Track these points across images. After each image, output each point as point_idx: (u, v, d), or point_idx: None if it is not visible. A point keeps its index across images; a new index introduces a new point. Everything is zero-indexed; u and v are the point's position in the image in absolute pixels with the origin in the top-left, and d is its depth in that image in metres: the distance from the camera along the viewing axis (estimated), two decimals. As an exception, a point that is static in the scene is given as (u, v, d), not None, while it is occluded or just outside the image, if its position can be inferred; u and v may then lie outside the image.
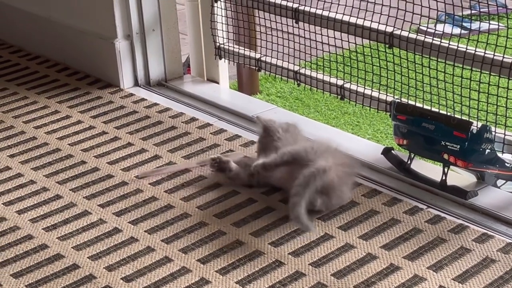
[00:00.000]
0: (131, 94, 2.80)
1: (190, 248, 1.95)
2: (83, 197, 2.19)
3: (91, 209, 2.13)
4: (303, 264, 1.87)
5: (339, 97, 2.50)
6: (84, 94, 2.82)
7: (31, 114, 2.69)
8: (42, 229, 2.06)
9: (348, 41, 2.43)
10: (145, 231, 2.02)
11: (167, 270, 1.88)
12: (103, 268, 1.89)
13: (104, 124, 2.59)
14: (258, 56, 2.73)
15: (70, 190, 2.23)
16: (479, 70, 2.10)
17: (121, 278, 1.85)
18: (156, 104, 2.72)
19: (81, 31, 2.95)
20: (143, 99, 2.76)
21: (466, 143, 2.07)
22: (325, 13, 2.44)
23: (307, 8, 2.50)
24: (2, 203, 2.18)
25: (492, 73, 2.07)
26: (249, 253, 1.92)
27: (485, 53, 2.07)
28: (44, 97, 2.81)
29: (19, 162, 2.39)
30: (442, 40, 2.17)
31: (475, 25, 3.16)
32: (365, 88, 2.42)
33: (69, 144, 2.48)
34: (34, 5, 3.13)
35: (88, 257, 1.93)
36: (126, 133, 2.53)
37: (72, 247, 1.98)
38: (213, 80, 2.92)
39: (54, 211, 2.13)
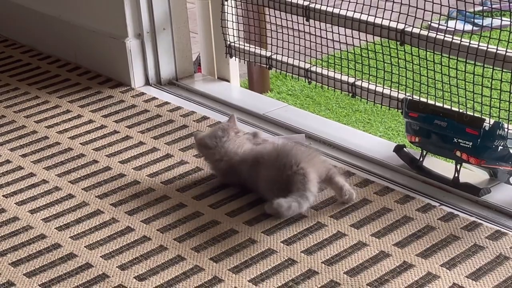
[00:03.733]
0: (142, 93, 2.80)
1: (203, 247, 1.95)
2: (95, 196, 2.19)
3: (103, 208, 2.14)
4: (316, 262, 1.87)
5: (350, 94, 2.49)
6: (95, 93, 2.83)
7: (43, 114, 2.69)
8: (54, 228, 2.06)
9: (359, 39, 2.43)
10: (157, 230, 2.03)
11: (180, 269, 1.88)
12: (116, 267, 1.90)
13: (115, 123, 2.60)
14: (268, 54, 2.72)
15: (82, 189, 2.23)
16: (491, 67, 2.09)
17: (134, 277, 1.86)
18: (167, 103, 2.72)
19: (92, 31, 2.95)
20: (154, 98, 2.76)
21: (479, 140, 2.06)
22: (336, 11, 2.43)
23: (317, 6, 2.49)
24: (15, 203, 2.18)
25: (504, 70, 2.06)
26: (261, 251, 1.92)
27: (497, 49, 2.06)
28: (56, 96, 2.82)
29: (31, 162, 2.39)
30: (454, 37, 2.16)
31: (486, 22, 3.15)
32: (376, 86, 2.41)
33: (80, 144, 2.48)
34: (44, 4, 3.14)
35: (101, 256, 1.94)
36: (138, 132, 2.53)
37: (85, 246, 1.98)
38: (224, 79, 2.92)
39: (67, 210, 2.14)
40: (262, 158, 2.08)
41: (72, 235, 2.03)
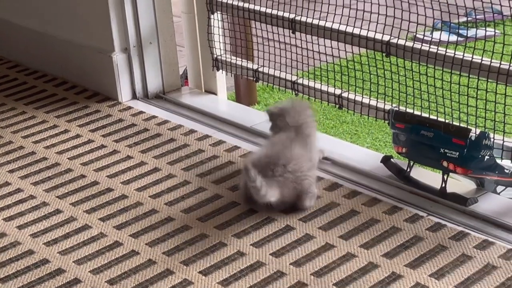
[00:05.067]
0: (130, 107, 2.80)
1: (192, 260, 1.95)
2: (83, 211, 2.19)
3: (91, 223, 2.13)
4: (305, 274, 1.87)
5: (337, 106, 2.50)
6: (83, 108, 2.82)
7: (30, 129, 2.69)
8: (43, 244, 2.06)
9: (345, 50, 2.44)
10: (146, 244, 2.02)
11: (169, 283, 1.87)
12: (105, 282, 1.89)
13: (103, 138, 2.60)
14: (255, 66, 2.73)
15: (70, 204, 2.23)
16: (477, 77, 2.10)
17: (123, 292, 1.85)
18: (154, 116, 2.72)
19: (79, 45, 2.95)
20: (141, 112, 2.76)
21: (465, 150, 2.07)
22: (322, 23, 2.44)
23: (303, 18, 2.50)
24: (2, 219, 2.18)
25: (489, 80, 2.07)
26: (250, 264, 1.92)
27: (482, 59, 2.08)
28: (43, 111, 2.81)
29: (18, 177, 2.38)
30: (439, 48, 2.18)
31: (471, 32, 3.17)
32: (363, 97, 2.42)
33: (68, 158, 2.48)
34: (31, 20, 3.14)
35: (89, 271, 1.93)
36: (125, 146, 2.53)
37: (73, 262, 1.97)
38: (211, 92, 2.93)
39: (55, 225, 2.13)
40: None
41: (60, 250, 2.02)
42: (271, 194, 2.02)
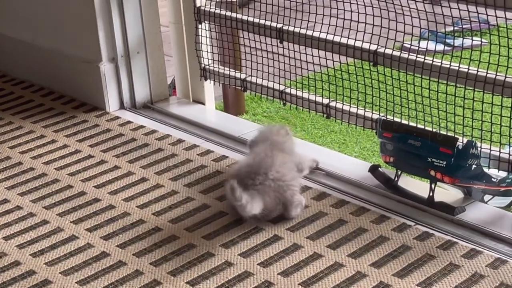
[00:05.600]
0: (117, 117, 2.80)
1: (179, 271, 1.94)
2: (70, 222, 2.18)
3: (78, 233, 2.12)
4: (293, 284, 1.86)
5: (325, 115, 2.50)
6: (70, 118, 2.82)
7: (17, 139, 2.68)
8: (29, 255, 2.04)
9: (333, 60, 2.44)
10: (133, 255, 2.01)
11: (156, 294, 1.87)
12: (92, 293, 1.88)
13: (90, 148, 2.59)
14: (243, 76, 2.73)
15: (57, 214, 2.22)
16: (463, 86, 2.11)
17: (110, 303, 1.84)
18: (142, 126, 2.72)
19: (66, 55, 2.95)
20: (129, 122, 2.75)
21: (453, 159, 2.07)
22: (309, 33, 2.45)
23: (291, 28, 2.51)
24: (-12, 230, 2.16)
25: (476, 89, 2.08)
26: (238, 274, 1.91)
27: (468, 69, 2.08)
28: (30, 122, 2.80)
29: (5, 188, 2.37)
30: (426, 57, 2.18)
31: (458, 42, 3.18)
32: (350, 106, 2.43)
33: (55, 169, 2.47)
34: (18, 30, 3.13)
35: (76, 282, 1.92)
36: (113, 156, 2.52)
37: (60, 273, 1.96)
38: (199, 101, 2.92)
39: (41, 236, 2.12)
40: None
41: (47, 261, 2.01)
42: (255, 207, 2.01)
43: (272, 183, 2.06)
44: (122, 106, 2.87)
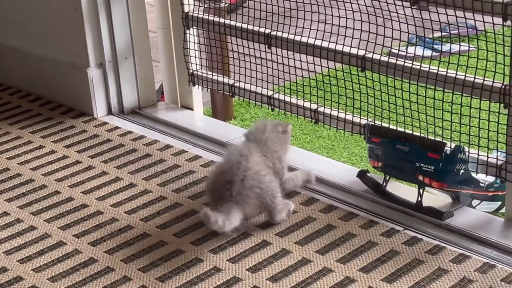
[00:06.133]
0: (105, 123, 2.79)
1: (167, 277, 1.93)
2: (58, 228, 2.17)
3: (66, 239, 2.11)
4: (282, 289, 1.86)
5: (313, 121, 2.50)
6: (57, 123, 2.80)
7: (4, 145, 2.66)
8: (16, 261, 2.03)
9: (321, 65, 2.45)
10: (121, 260, 2.00)
11: (144, 299, 1.86)
12: (79, 299, 1.87)
13: (78, 154, 2.58)
14: (231, 82, 2.73)
15: (44, 220, 2.20)
16: (451, 91, 2.12)
17: (98, 309, 1.83)
18: (130, 132, 2.71)
19: (53, 61, 2.94)
20: (117, 128, 2.75)
21: (440, 164, 2.08)
22: (297, 38, 2.45)
23: (279, 34, 2.51)
24: (-25, 236, 2.15)
25: (464, 94, 2.09)
26: (227, 279, 1.91)
27: (456, 74, 2.09)
28: (17, 127, 2.79)
29: (-8, 194, 2.36)
30: (414, 63, 2.19)
31: (446, 47, 3.19)
32: (339, 112, 2.43)
33: (42, 175, 2.46)
34: (5, 35, 3.11)
35: (63, 289, 1.91)
36: (101, 162, 2.51)
37: (47, 279, 1.95)
38: (187, 107, 2.92)
39: (29, 242, 2.11)
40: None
41: (34, 267, 2.00)
42: (233, 222, 1.99)
43: (249, 192, 2.04)
44: (110, 112, 2.86)
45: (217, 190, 2.06)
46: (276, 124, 2.22)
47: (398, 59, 2.22)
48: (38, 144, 2.66)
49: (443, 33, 2.25)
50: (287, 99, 2.56)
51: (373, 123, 2.29)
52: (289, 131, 2.22)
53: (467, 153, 2.10)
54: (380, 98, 2.31)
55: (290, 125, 2.24)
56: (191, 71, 2.83)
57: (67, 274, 1.96)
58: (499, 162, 2.06)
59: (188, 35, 2.78)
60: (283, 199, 2.12)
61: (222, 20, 2.68)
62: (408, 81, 2.20)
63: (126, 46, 2.81)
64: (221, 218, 1.95)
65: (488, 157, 2.09)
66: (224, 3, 3.16)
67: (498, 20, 1.96)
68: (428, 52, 2.35)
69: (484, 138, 2.11)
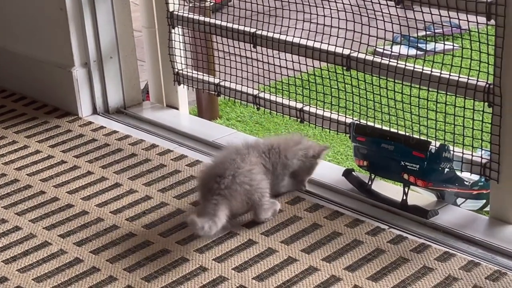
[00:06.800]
0: (90, 122, 2.78)
1: (153, 276, 1.93)
2: (43, 228, 2.16)
3: (51, 239, 2.10)
4: (268, 288, 1.86)
5: (298, 120, 2.51)
6: (42, 123, 2.79)
7: (-12, 145, 2.65)
8: (1, 261, 2.02)
9: (306, 65, 2.45)
10: (107, 260, 2.00)
11: (130, 299, 1.85)
12: (65, 299, 1.87)
13: (63, 153, 2.57)
14: (217, 81, 2.73)
15: (29, 221, 2.20)
16: (436, 90, 2.12)
17: (84, 309, 1.83)
18: (115, 131, 2.70)
19: (38, 60, 2.92)
20: (102, 127, 2.74)
21: (425, 163, 2.09)
22: (283, 37, 2.45)
23: (264, 33, 2.51)
24: (-41, 237, 2.14)
25: (448, 93, 2.10)
26: (213, 279, 1.91)
27: (441, 73, 2.10)
28: (1, 127, 2.77)
29: (-24, 194, 2.35)
30: (399, 62, 2.20)
31: (430, 46, 3.21)
32: (324, 111, 2.43)
33: (27, 175, 2.45)
34: (-11, 34, 3.10)
35: (49, 289, 1.91)
36: (86, 161, 2.51)
37: (32, 279, 1.94)
38: (173, 106, 2.92)
39: (14, 242, 2.10)
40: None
41: (19, 268, 1.99)
42: (218, 223, 1.98)
43: (238, 187, 2.05)
44: (95, 111, 2.85)
45: (207, 183, 2.05)
46: (308, 147, 2.22)
47: (383, 58, 2.22)
48: (22, 144, 2.65)
49: (428, 32, 2.26)
50: (273, 98, 2.56)
51: (358, 122, 2.29)
52: (321, 157, 2.24)
53: (451, 152, 2.11)
54: (365, 97, 2.32)
55: (326, 150, 2.25)
56: (176, 70, 2.82)
57: (52, 275, 1.96)
58: (484, 161, 2.07)
59: (173, 34, 2.78)
60: (271, 199, 2.12)
61: (207, 19, 2.68)
62: (393, 80, 2.21)
63: (111, 46, 2.80)
64: (207, 223, 1.95)
65: (472, 156, 2.10)
66: (209, 2, 3.15)
67: (482, 19, 1.97)
68: (412, 51, 2.36)
69: (468, 136, 2.12)
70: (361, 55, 2.28)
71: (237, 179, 2.04)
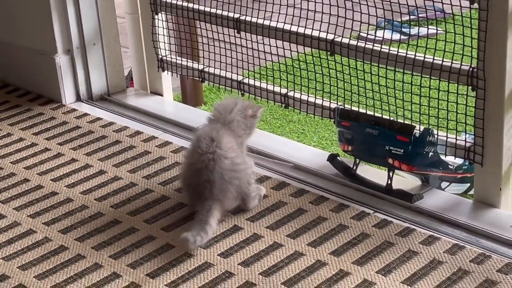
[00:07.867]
0: (74, 110, 2.77)
1: (139, 263, 1.93)
2: (27, 216, 2.15)
3: (35, 227, 2.10)
4: (253, 274, 1.86)
5: (283, 105, 2.50)
6: (25, 111, 2.78)
7: (-29, 133, 2.64)
8: (-15, 250, 2.02)
9: (290, 50, 2.45)
10: (92, 248, 1.99)
11: (116, 287, 1.85)
12: (50, 287, 1.86)
13: (46, 141, 2.55)
14: (201, 67, 2.72)
15: (13, 209, 2.19)
16: (420, 75, 2.13)
17: (69, 297, 1.83)
18: (99, 118, 2.69)
19: (20, 47, 2.90)
20: (86, 114, 2.73)
21: (410, 147, 2.09)
22: (266, 23, 2.44)
23: (248, 18, 2.50)
24: None
25: (432, 77, 2.10)
26: (198, 265, 1.91)
27: (424, 57, 2.10)
28: (-16, 115, 2.76)
29: (-41, 183, 2.33)
30: (383, 46, 2.20)
31: (414, 31, 3.21)
32: (308, 96, 2.43)
33: (11, 162, 2.43)
34: (-30, 22, 3.07)
35: (34, 277, 1.90)
36: (70, 149, 2.50)
37: (17, 267, 1.94)
38: (157, 93, 2.91)
39: (-2, 231, 2.09)
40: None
41: (4, 256, 1.99)
42: (210, 232, 1.96)
43: (229, 186, 2.01)
44: (78, 99, 2.84)
45: (195, 186, 2.02)
46: (247, 106, 2.14)
47: (367, 42, 2.22)
48: (6, 132, 2.63)
49: (412, 17, 2.26)
50: (257, 83, 2.56)
51: (342, 107, 2.29)
52: (258, 116, 2.17)
53: (436, 136, 2.11)
54: (349, 82, 2.32)
55: (261, 108, 2.17)
56: (160, 56, 2.81)
57: (37, 262, 1.95)
58: (468, 144, 2.08)
59: (156, 20, 2.76)
60: (255, 184, 2.12)
61: (190, 5, 2.66)
62: (377, 64, 2.21)
63: (94, 32, 2.79)
64: (199, 236, 1.93)
65: (456, 140, 2.11)
66: (192, -12, 3.13)
67: (466, 3, 1.97)
68: (396, 36, 2.36)
69: (452, 120, 2.13)
70: (345, 40, 2.27)
71: (225, 177, 2.01)
